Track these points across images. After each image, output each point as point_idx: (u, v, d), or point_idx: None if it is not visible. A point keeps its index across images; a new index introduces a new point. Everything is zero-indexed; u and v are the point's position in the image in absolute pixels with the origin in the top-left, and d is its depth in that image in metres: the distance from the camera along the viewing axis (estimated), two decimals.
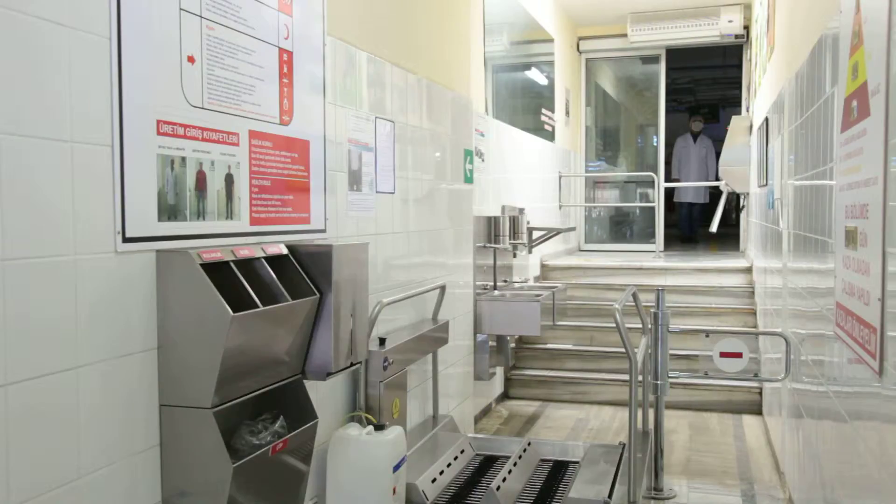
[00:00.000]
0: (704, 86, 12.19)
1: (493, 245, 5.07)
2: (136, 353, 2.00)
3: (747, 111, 7.96)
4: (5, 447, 1.63)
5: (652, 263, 6.99)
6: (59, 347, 1.76)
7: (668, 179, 9.30)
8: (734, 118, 7.59)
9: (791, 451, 3.63)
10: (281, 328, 2.30)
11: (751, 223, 7.10)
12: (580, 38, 8.87)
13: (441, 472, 3.49)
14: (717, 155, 8.91)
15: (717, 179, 8.36)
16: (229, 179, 2.33)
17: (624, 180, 9.79)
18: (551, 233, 6.21)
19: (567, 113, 8.33)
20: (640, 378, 3.52)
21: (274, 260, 2.38)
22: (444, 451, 3.66)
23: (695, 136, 10.11)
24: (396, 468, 2.89)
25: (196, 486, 2.08)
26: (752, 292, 6.31)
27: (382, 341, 3.24)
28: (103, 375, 1.89)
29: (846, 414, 2.20)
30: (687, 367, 5.44)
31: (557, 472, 3.74)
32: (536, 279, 6.82)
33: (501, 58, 5.96)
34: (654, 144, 9.42)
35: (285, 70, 2.65)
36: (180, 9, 2.12)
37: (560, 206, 7.97)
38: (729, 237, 9.19)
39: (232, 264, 2.15)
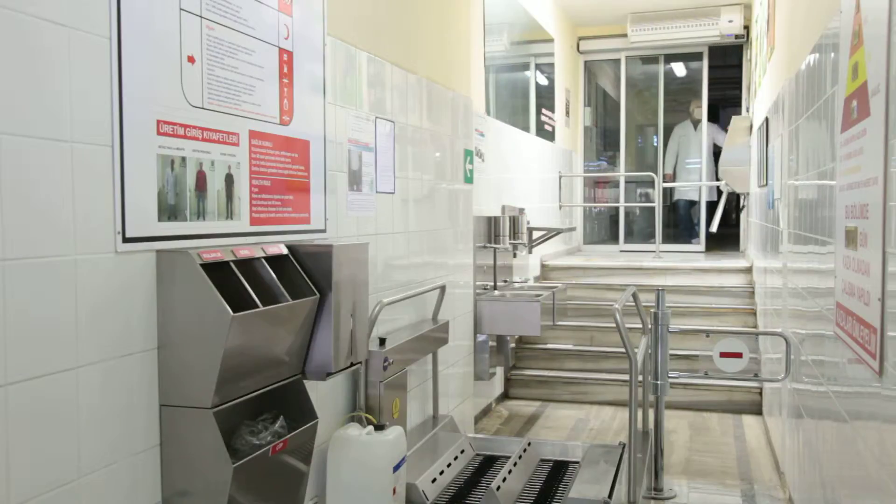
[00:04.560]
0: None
1: (493, 245, 5.07)
2: (136, 353, 2.00)
3: (747, 111, 7.96)
4: (5, 447, 1.63)
5: (652, 263, 6.99)
6: (59, 347, 1.76)
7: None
8: (734, 118, 7.60)
9: (791, 451, 3.63)
10: (281, 328, 2.30)
11: (751, 223, 7.10)
12: (580, 39, 8.87)
13: (441, 472, 3.49)
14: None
15: (717, 179, 8.34)
16: (229, 179, 2.33)
17: (624, 180, 9.77)
18: (551, 233, 6.21)
19: (567, 113, 8.33)
20: (640, 378, 3.52)
21: (274, 260, 2.38)
22: (444, 451, 3.66)
23: (695, 124, 8.96)
24: (396, 468, 2.89)
25: (196, 486, 2.08)
26: (752, 292, 6.31)
27: (382, 341, 3.24)
28: (103, 375, 1.89)
29: (846, 414, 2.20)
30: (687, 367, 5.44)
31: (557, 472, 3.74)
32: (536, 279, 6.82)
33: (501, 58, 5.96)
34: (655, 145, 9.41)
35: (285, 70, 2.65)
36: (180, 9, 2.12)
37: (560, 206, 7.97)
38: (729, 237, 9.18)
39: (232, 264, 2.15)
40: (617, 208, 9.46)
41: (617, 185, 9.69)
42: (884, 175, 1.68)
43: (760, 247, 5.66)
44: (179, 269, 2.03)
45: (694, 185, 8.95)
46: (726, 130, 7.56)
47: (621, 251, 8.91)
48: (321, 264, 2.51)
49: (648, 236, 9.18)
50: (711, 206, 8.74)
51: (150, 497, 2.05)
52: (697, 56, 8.76)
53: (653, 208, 8.20)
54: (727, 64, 9.19)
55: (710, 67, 8.74)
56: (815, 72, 2.89)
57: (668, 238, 9.29)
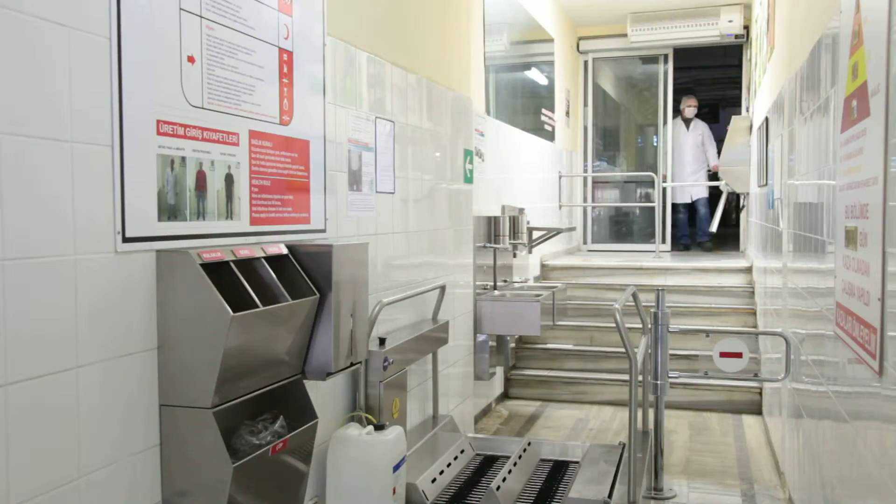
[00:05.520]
0: (704, 85, 12.13)
1: (493, 245, 5.07)
2: (136, 352, 2.00)
3: (747, 111, 7.96)
4: (5, 447, 1.63)
5: (652, 263, 6.99)
6: (59, 347, 1.76)
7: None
8: (734, 118, 7.59)
9: (791, 451, 3.63)
10: (281, 328, 2.30)
11: (751, 223, 7.10)
12: (580, 38, 8.87)
13: (441, 472, 3.49)
14: (717, 141, 8.73)
15: (717, 177, 8.33)
16: (229, 179, 2.33)
17: (624, 180, 9.77)
18: (551, 233, 6.21)
19: (567, 113, 8.33)
20: (640, 378, 3.52)
21: (274, 260, 2.38)
22: (444, 451, 3.66)
23: (687, 123, 8.92)
24: (396, 468, 2.89)
25: (196, 486, 2.08)
26: (752, 292, 6.31)
27: (382, 341, 3.24)
28: (103, 375, 1.88)
29: (846, 414, 2.20)
30: (687, 367, 5.44)
31: (557, 472, 3.74)
32: (536, 279, 6.82)
33: (501, 58, 5.96)
34: (655, 145, 9.40)
35: (285, 70, 2.65)
36: (180, 9, 2.12)
37: (560, 206, 7.97)
38: (729, 237, 9.17)
39: (232, 264, 2.15)
40: (616, 208, 9.46)
41: (617, 185, 9.69)
42: (884, 175, 1.68)
43: (760, 247, 5.66)
44: (179, 269, 2.03)
45: (691, 185, 8.93)
46: (722, 129, 7.55)
47: (590, 250, 8.90)
48: (321, 264, 2.51)
49: (647, 237, 9.17)
50: (711, 207, 8.72)
51: (149, 497, 2.05)
52: (664, 58, 8.81)
53: (652, 209, 8.20)
54: (727, 64, 9.18)
55: (703, 68, 8.74)
56: (814, 72, 2.89)
57: (641, 239, 9.31)
